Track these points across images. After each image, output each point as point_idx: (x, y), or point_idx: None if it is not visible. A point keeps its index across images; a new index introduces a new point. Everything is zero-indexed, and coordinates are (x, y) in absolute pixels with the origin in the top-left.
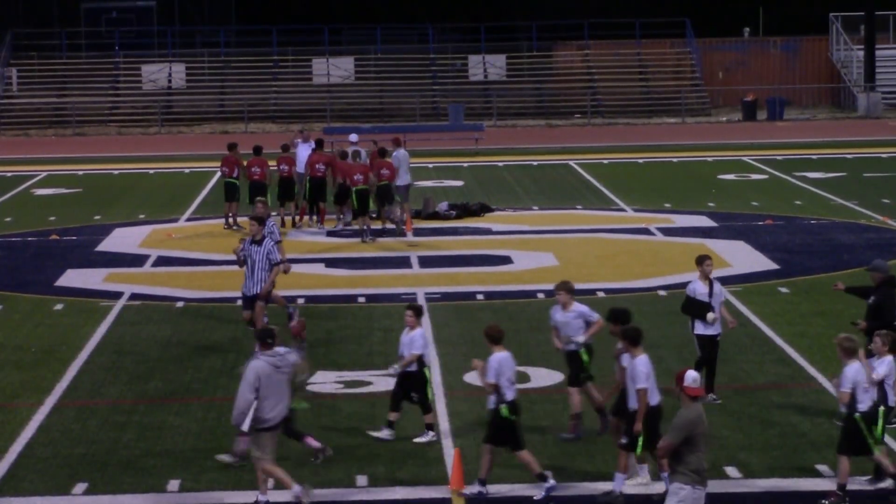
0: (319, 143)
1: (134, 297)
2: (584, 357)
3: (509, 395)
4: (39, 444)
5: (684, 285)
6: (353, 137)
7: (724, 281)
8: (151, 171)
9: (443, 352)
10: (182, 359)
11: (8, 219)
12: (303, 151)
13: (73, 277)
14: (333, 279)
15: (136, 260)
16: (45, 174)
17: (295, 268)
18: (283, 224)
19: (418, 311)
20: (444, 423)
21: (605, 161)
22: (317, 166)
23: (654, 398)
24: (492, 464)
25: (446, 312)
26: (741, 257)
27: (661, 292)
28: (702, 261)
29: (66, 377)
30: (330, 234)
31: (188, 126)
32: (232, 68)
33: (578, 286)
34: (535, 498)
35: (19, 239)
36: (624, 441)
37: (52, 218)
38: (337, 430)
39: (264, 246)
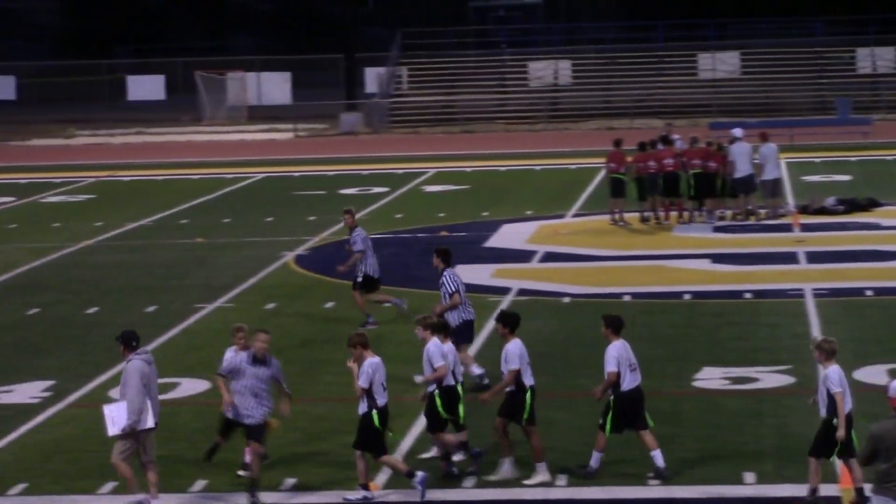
0: (664, 140)
1: (522, 292)
2: (438, 401)
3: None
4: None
5: None
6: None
7: None
8: (538, 168)
9: None
10: (568, 354)
11: (399, 215)
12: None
13: (461, 273)
14: (719, 275)
15: (524, 256)
16: (434, 171)
17: (681, 263)
18: (667, 219)
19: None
20: None
21: None
22: (664, 161)
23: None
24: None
25: (834, 309)
26: None
27: None
28: None
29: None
30: (717, 229)
31: (574, 122)
32: (617, 64)
33: None
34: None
35: (409, 235)
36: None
37: (442, 214)
38: (721, 428)
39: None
